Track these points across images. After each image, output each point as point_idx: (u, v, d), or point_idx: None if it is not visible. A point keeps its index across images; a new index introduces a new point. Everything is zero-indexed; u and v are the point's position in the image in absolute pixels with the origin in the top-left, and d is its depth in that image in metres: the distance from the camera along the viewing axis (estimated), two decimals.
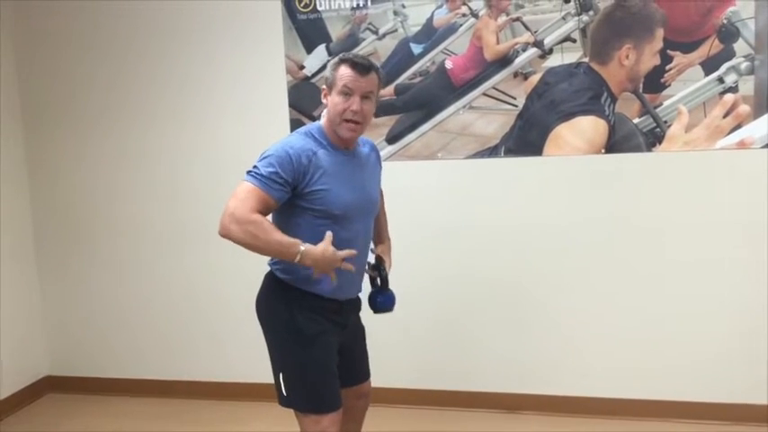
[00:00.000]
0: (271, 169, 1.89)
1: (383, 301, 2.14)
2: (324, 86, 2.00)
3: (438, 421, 3.10)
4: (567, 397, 3.07)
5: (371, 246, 2.21)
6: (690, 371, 2.91)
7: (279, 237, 1.86)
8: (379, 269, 2.15)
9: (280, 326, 2.04)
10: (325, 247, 1.86)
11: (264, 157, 1.93)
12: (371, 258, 2.19)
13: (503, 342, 3.10)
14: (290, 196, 1.93)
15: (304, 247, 1.85)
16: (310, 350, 2.00)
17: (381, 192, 2.30)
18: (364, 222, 2.09)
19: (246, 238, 1.85)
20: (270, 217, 1.93)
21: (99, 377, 3.60)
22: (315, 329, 2.01)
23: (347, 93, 1.93)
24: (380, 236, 2.31)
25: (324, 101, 2.00)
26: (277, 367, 2.06)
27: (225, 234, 1.88)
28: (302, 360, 2.01)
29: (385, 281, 2.15)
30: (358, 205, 2.03)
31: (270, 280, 2.09)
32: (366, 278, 2.17)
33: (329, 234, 1.88)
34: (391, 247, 2.31)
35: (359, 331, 2.23)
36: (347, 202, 1.98)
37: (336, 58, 1.97)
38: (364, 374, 2.27)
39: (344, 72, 1.93)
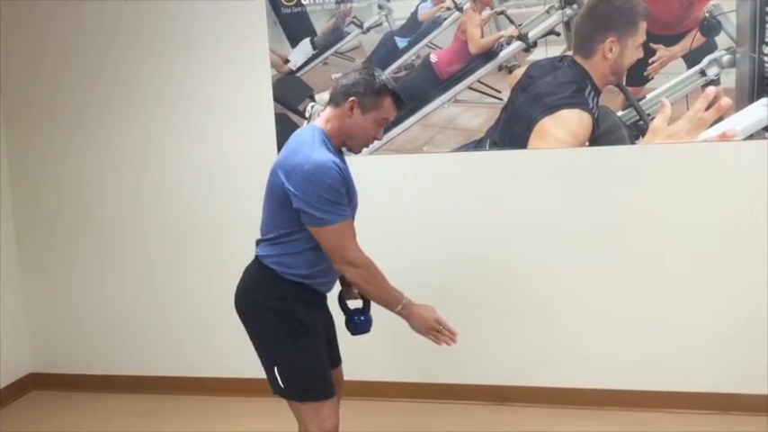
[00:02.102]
0: (337, 196, 1.88)
1: (363, 322, 2.19)
2: (354, 97, 1.93)
3: (426, 414, 3.10)
4: (559, 388, 3.08)
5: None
6: (687, 361, 2.93)
7: (387, 286, 1.98)
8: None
9: (275, 317, 2.00)
10: (427, 306, 1.99)
11: (320, 185, 1.85)
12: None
13: (492, 334, 3.11)
14: None
15: (405, 300, 1.97)
16: (309, 340, 2.01)
17: None
18: None
19: (358, 281, 1.96)
20: (266, 210, 2.01)
21: (84, 374, 3.57)
22: (311, 320, 2.03)
23: (382, 124, 2.01)
24: None
25: (349, 111, 1.95)
26: (270, 360, 2.03)
27: (341, 270, 1.96)
28: (302, 350, 2.00)
29: (368, 302, 2.20)
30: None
31: (261, 273, 2.04)
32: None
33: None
34: None
35: (330, 318, 2.26)
36: (356, 205, 2.06)
37: (380, 83, 1.94)
38: (338, 358, 2.30)
39: (389, 105, 1.97)
